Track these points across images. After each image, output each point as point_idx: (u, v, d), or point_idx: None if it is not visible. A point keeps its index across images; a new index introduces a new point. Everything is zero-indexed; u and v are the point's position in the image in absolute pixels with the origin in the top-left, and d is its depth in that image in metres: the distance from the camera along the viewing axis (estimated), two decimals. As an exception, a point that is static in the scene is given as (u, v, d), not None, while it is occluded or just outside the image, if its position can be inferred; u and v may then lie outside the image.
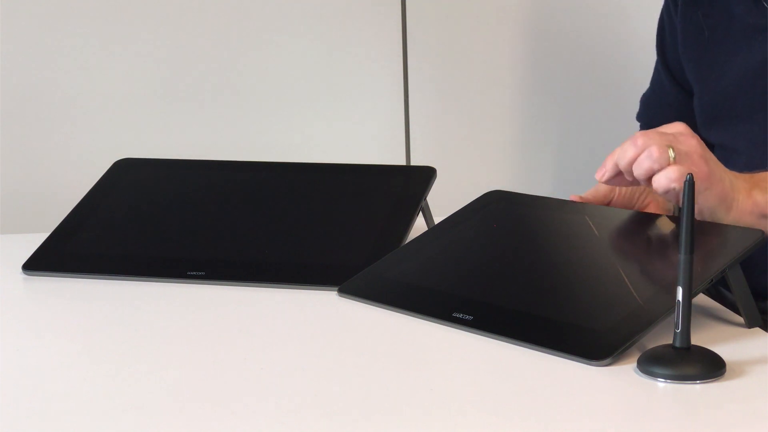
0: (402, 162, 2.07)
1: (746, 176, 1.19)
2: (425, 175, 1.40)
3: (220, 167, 1.51)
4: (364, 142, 2.06)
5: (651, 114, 1.56)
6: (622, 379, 0.98)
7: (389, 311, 1.17)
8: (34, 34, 1.94)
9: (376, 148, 2.06)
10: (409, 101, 2.06)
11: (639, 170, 1.14)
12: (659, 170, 1.12)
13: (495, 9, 2.06)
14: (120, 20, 1.96)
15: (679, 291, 0.96)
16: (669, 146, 1.13)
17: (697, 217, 1.16)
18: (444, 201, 1.44)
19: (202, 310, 1.21)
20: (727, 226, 1.16)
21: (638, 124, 1.60)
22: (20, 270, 1.33)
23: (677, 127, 1.16)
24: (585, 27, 2.08)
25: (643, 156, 1.13)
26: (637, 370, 0.98)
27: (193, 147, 2.00)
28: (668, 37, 1.50)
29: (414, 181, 1.40)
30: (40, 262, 1.34)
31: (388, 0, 2.03)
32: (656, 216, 1.27)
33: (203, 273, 1.29)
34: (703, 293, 1.15)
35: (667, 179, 1.12)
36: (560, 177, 2.12)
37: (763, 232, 1.11)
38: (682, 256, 0.96)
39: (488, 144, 2.11)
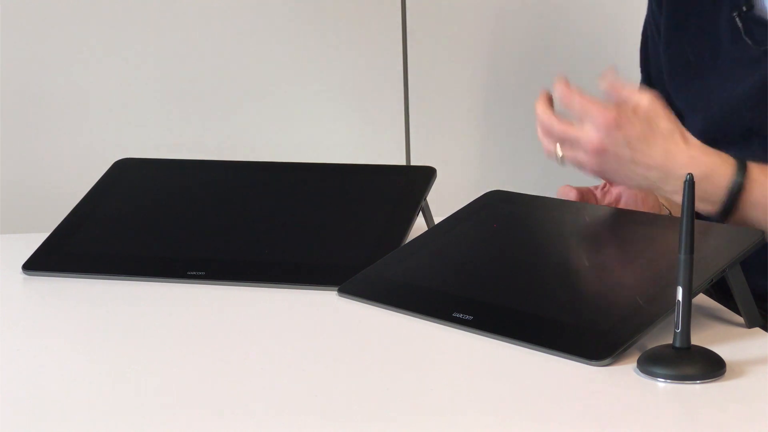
0: (402, 162, 2.07)
1: (703, 152, 1.18)
2: (425, 175, 1.40)
3: (220, 167, 1.50)
4: (364, 142, 2.06)
5: None
6: (622, 379, 0.97)
7: (389, 311, 1.17)
8: (34, 34, 1.94)
9: (376, 148, 2.06)
10: (409, 101, 2.06)
11: None
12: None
13: (495, 9, 2.06)
14: (120, 20, 1.96)
15: (679, 291, 0.96)
16: (556, 145, 1.23)
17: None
18: (444, 201, 1.44)
19: (202, 310, 1.21)
20: (727, 226, 1.16)
21: None
22: (20, 270, 1.33)
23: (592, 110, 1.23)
24: (586, 27, 2.08)
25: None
26: (637, 370, 0.98)
27: (193, 147, 2.00)
28: (652, 57, 1.50)
29: (414, 181, 1.40)
30: (40, 262, 1.34)
31: (388, 0, 2.03)
32: (656, 216, 1.27)
33: (203, 273, 1.29)
34: (703, 293, 1.15)
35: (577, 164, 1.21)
36: (560, 177, 2.12)
37: (763, 233, 1.11)
38: (682, 256, 0.96)
39: (488, 144, 2.11)
